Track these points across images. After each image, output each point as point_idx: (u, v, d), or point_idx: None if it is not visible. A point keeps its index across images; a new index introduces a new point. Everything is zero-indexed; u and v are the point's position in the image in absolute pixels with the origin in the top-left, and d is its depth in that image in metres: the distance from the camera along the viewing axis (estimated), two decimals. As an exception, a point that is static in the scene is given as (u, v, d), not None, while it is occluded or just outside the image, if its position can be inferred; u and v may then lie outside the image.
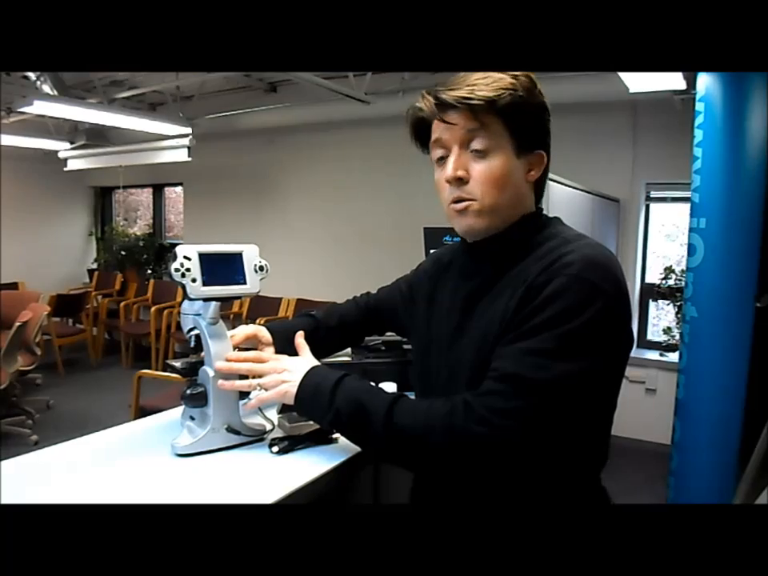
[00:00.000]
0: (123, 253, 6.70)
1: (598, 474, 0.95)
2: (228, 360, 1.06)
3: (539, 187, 0.97)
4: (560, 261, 0.83)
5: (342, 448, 1.08)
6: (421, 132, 0.97)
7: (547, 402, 0.79)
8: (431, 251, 1.15)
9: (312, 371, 0.99)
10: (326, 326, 1.25)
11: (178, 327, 5.04)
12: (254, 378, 1.05)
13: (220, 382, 1.04)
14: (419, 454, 0.87)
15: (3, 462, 0.98)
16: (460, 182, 0.90)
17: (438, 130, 0.92)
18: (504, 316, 0.86)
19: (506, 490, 0.87)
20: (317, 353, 1.09)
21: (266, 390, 1.01)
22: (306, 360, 1.04)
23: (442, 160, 0.93)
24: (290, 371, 1.01)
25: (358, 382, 0.96)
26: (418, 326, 1.07)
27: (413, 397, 1.03)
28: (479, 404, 0.81)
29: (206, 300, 1.06)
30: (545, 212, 0.99)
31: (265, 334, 1.18)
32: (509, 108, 0.86)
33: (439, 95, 0.87)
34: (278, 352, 1.13)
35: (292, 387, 0.98)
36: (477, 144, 0.88)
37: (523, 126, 0.88)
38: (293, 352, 1.10)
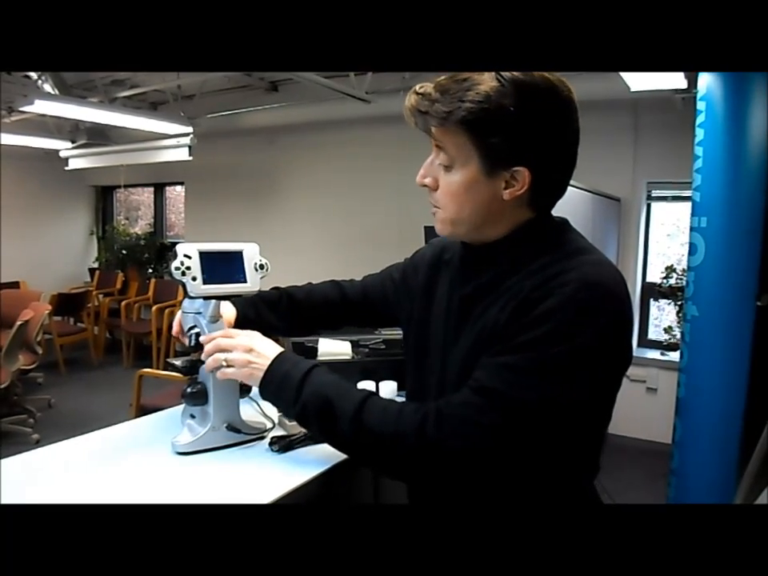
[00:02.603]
0: (124, 252, 6.71)
1: (590, 483, 0.94)
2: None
3: (539, 198, 0.88)
4: (557, 278, 0.79)
5: (343, 446, 1.08)
6: None
7: (521, 421, 0.77)
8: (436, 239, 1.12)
9: (281, 357, 0.96)
10: (295, 301, 1.21)
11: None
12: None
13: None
14: (387, 459, 0.86)
15: (4, 461, 0.99)
16: (428, 187, 0.89)
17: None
18: (495, 327, 0.83)
19: (488, 496, 0.86)
20: (279, 324, 1.07)
21: (232, 366, 0.98)
22: (275, 344, 1.00)
23: None
24: (257, 353, 0.96)
25: (328, 376, 0.92)
26: (413, 316, 1.03)
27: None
28: (452, 414, 0.79)
29: (206, 298, 1.06)
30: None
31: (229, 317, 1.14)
32: (471, 123, 0.79)
33: (412, 96, 0.83)
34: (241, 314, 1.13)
35: (257, 371, 0.95)
36: (441, 157, 0.85)
37: (493, 142, 0.80)
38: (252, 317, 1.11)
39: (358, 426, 0.84)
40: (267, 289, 1.19)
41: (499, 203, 0.84)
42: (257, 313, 1.16)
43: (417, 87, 0.83)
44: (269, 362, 0.95)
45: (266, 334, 1.02)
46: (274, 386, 0.94)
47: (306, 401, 0.89)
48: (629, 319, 0.82)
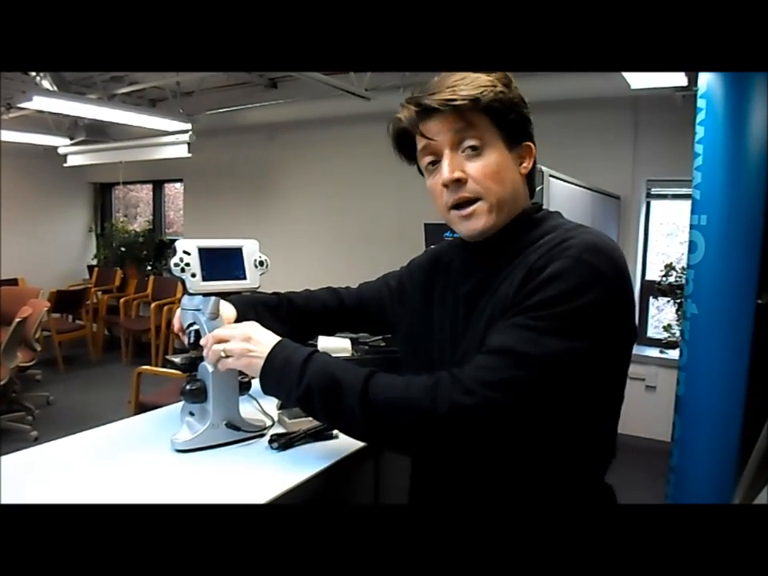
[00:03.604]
0: (123, 249, 6.70)
1: (604, 472, 0.94)
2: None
3: (531, 180, 0.96)
4: (561, 245, 0.83)
5: (343, 444, 1.07)
6: (405, 143, 0.96)
7: (537, 377, 0.77)
8: (431, 247, 1.14)
9: (281, 344, 0.95)
10: (295, 307, 1.21)
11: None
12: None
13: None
14: (398, 428, 0.83)
15: (3, 458, 0.98)
16: (458, 183, 0.88)
17: (424, 138, 0.90)
18: (505, 301, 0.85)
19: (501, 481, 0.86)
20: (279, 329, 1.07)
21: (231, 356, 0.97)
22: (274, 333, 1.00)
23: (433, 165, 0.91)
24: (256, 341, 0.96)
25: (330, 357, 0.92)
26: (412, 324, 1.04)
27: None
28: (466, 377, 0.79)
29: (205, 295, 1.05)
30: (544, 207, 0.98)
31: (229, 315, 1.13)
32: (493, 104, 0.86)
33: (421, 101, 0.87)
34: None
35: (257, 359, 0.94)
36: (470, 142, 0.87)
37: (508, 120, 0.89)
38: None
39: (366, 399, 0.83)
40: (266, 285, 1.18)
41: (519, 180, 0.93)
42: (257, 316, 1.14)
43: (414, 97, 0.90)
44: (268, 350, 0.94)
45: None
46: (275, 372, 0.92)
47: (309, 381, 0.88)
48: (630, 283, 0.84)
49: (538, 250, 0.85)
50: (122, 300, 6.00)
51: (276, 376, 0.93)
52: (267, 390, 0.96)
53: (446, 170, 0.88)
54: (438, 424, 0.79)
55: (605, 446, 0.92)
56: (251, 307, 1.16)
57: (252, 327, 0.99)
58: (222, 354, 0.97)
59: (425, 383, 0.81)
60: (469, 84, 0.85)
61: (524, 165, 0.93)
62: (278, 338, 0.97)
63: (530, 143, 0.93)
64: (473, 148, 0.88)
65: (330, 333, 1.33)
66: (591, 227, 0.90)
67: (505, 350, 0.79)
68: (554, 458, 0.85)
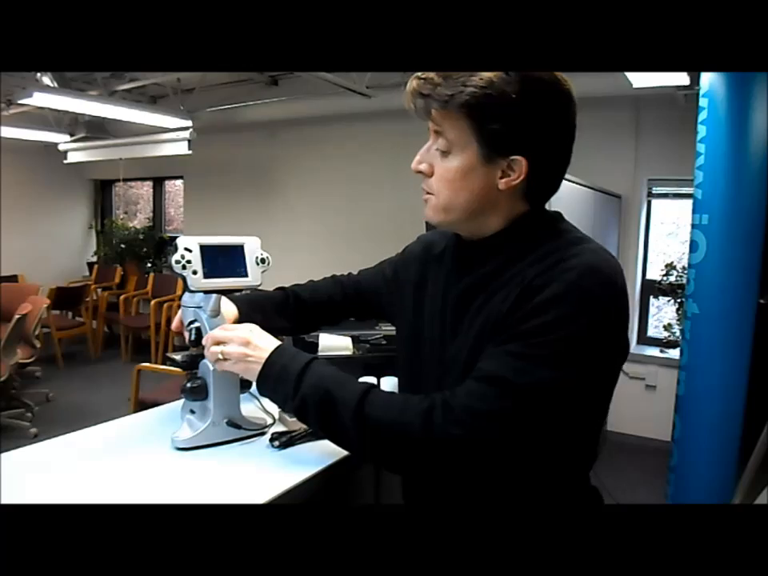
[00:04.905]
0: (123, 246, 6.70)
1: (586, 474, 0.94)
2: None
3: (535, 190, 0.88)
4: (560, 265, 0.80)
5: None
6: None
7: (527, 407, 0.77)
8: (423, 234, 1.13)
9: (278, 350, 0.94)
10: (302, 301, 1.20)
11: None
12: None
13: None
14: (391, 450, 0.84)
15: (2, 455, 0.98)
16: (423, 174, 0.88)
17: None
18: (499, 316, 0.83)
19: (491, 490, 0.86)
20: (287, 326, 1.06)
21: (229, 359, 0.96)
22: (273, 337, 0.99)
23: None
24: (255, 345, 0.95)
25: (328, 369, 0.91)
26: (405, 313, 1.03)
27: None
28: (458, 404, 0.79)
29: (206, 292, 1.05)
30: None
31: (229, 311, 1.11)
32: (472, 108, 0.79)
33: (410, 83, 0.83)
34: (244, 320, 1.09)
35: (254, 364, 0.93)
36: (439, 142, 0.85)
37: (492, 129, 0.80)
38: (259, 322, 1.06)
39: (360, 418, 0.83)
40: (267, 282, 1.18)
41: (494, 192, 0.85)
42: (264, 317, 1.12)
43: (419, 73, 0.83)
44: (266, 355, 0.93)
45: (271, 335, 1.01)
46: (272, 379, 0.92)
47: (305, 394, 0.88)
48: (626, 306, 0.83)
49: (537, 264, 0.82)
50: (121, 297, 5.99)
51: (272, 384, 0.92)
52: (263, 395, 0.96)
53: (414, 160, 0.89)
54: (429, 451, 0.81)
55: (589, 450, 0.92)
56: (258, 309, 1.14)
57: (251, 331, 0.98)
58: (220, 357, 0.97)
59: (418, 408, 0.81)
60: (458, 79, 0.79)
61: (505, 179, 0.83)
62: (277, 343, 0.96)
63: (520, 158, 0.82)
64: (439, 149, 0.85)
65: (335, 322, 1.32)
66: (593, 241, 0.86)
67: (498, 379, 0.78)
68: (542, 465, 0.85)
